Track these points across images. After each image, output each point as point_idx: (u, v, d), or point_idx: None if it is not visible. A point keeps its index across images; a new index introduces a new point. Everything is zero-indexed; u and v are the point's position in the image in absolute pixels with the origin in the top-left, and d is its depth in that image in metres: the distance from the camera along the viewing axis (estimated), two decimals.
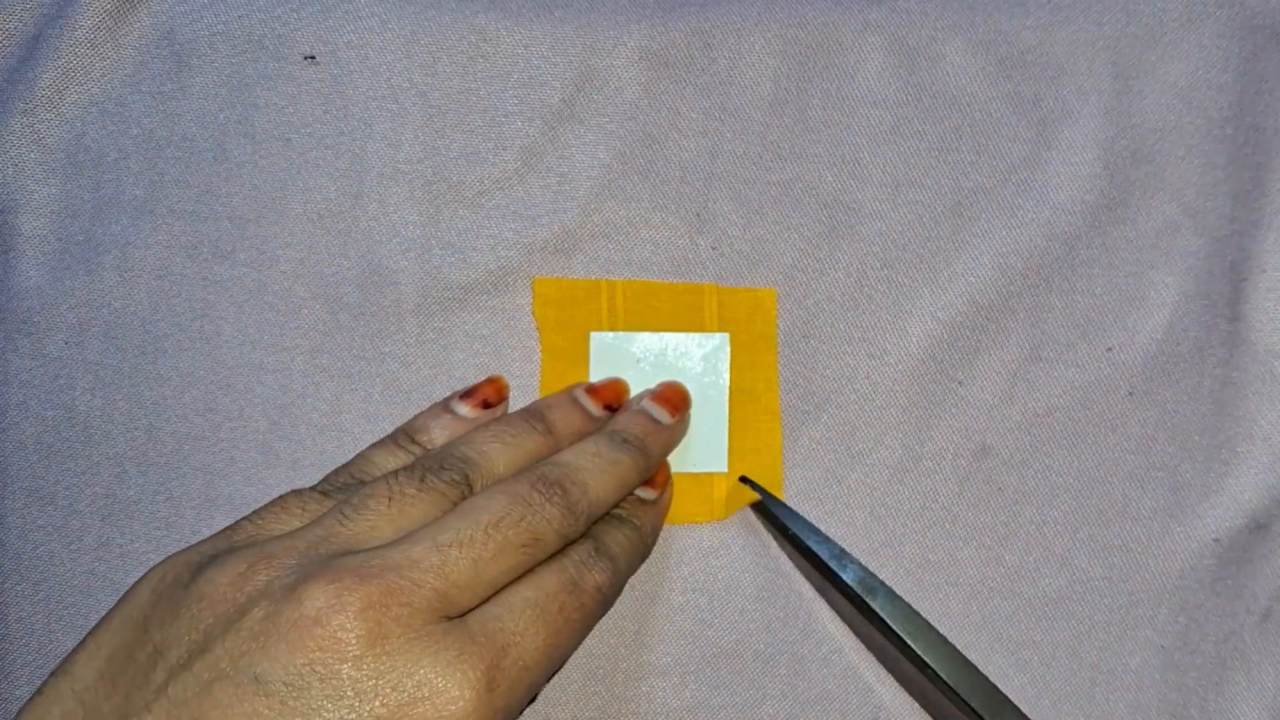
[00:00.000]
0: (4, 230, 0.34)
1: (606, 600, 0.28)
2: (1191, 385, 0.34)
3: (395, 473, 0.27)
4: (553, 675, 0.27)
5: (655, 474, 0.32)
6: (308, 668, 0.22)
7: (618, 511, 0.31)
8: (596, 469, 0.29)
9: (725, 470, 0.34)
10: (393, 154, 0.34)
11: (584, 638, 0.28)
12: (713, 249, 0.34)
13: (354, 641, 0.23)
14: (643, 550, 0.31)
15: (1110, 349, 0.34)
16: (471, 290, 0.34)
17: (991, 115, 0.34)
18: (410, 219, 0.34)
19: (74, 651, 0.24)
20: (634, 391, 0.34)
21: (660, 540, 0.33)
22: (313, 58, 0.33)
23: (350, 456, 0.34)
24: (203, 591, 0.24)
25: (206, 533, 0.34)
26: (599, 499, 0.28)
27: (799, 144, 0.34)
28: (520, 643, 0.25)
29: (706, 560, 0.34)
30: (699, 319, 0.34)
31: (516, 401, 0.34)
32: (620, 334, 0.34)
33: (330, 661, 0.22)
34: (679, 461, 0.33)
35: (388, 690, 0.23)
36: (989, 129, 0.34)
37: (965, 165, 0.34)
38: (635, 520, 0.30)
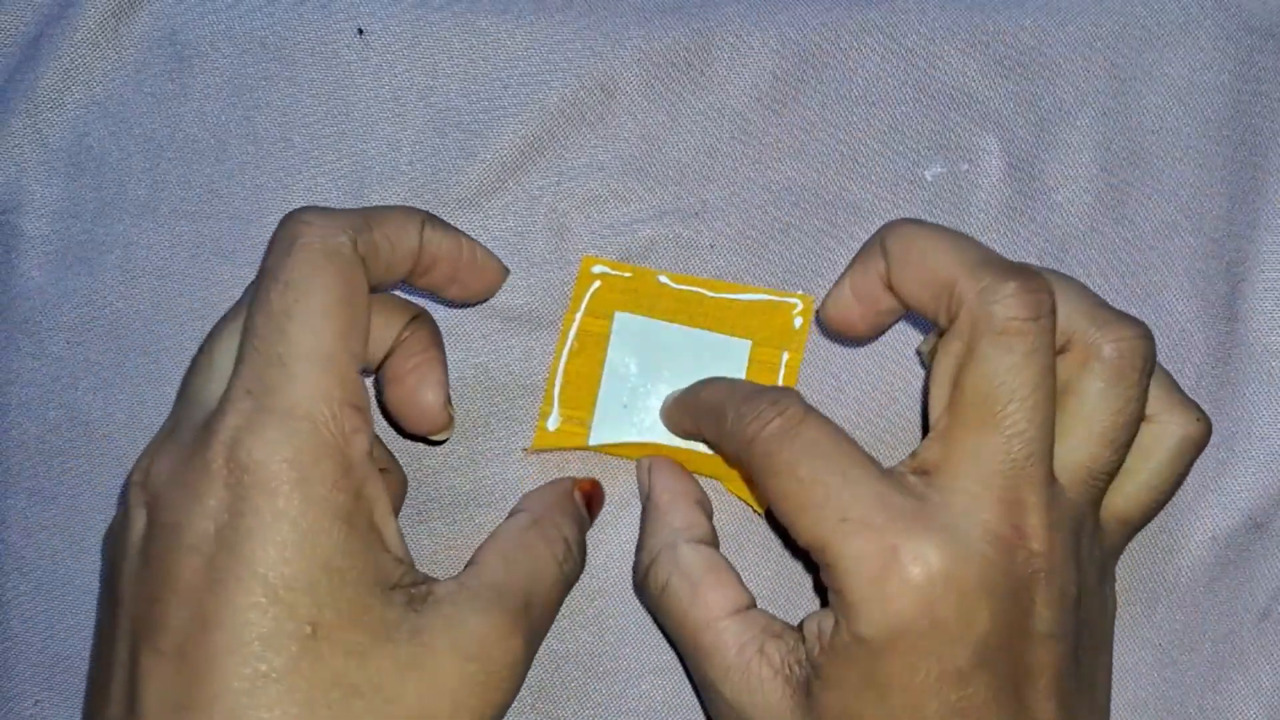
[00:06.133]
0: (6, 230, 0.34)
1: None
2: (1189, 385, 0.34)
3: None
4: None
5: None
6: None
7: None
8: None
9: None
10: (394, 154, 0.34)
11: None
12: (711, 248, 0.34)
13: None
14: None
15: None
16: None
17: (990, 115, 0.34)
18: None
19: None
20: (664, 381, 0.34)
21: None
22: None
23: None
24: None
25: None
26: None
27: (798, 143, 0.34)
28: None
29: None
30: (737, 322, 0.34)
31: (512, 402, 0.34)
32: (645, 319, 0.34)
33: None
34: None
35: None
36: (987, 129, 0.34)
37: (964, 165, 0.34)
38: None
